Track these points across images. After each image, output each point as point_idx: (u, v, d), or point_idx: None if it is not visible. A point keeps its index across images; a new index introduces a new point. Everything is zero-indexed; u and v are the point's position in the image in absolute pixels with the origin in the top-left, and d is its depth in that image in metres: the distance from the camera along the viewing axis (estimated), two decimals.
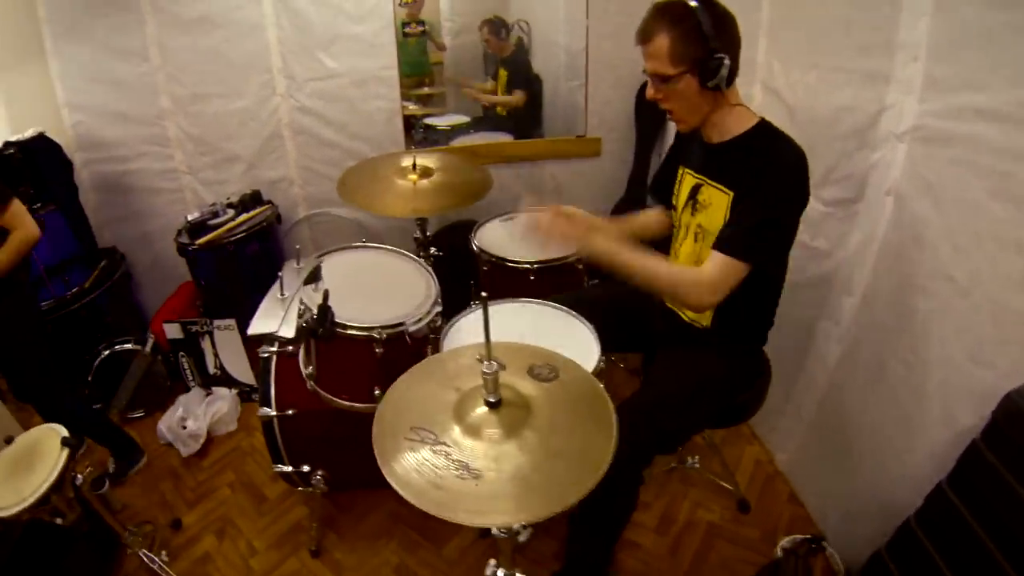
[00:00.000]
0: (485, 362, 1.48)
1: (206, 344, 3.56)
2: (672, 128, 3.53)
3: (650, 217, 2.43)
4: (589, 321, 2.29)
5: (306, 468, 2.56)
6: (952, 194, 1.87)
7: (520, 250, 2.92)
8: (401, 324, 2.16)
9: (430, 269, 2.48)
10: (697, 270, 1.90)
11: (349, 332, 2.14)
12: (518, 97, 3.87)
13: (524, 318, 2.39)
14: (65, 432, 2.35)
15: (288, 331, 2.57)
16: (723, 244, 1.86)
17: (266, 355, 2.55)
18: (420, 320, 2.19)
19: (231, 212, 3.70)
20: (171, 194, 3.96)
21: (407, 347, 2.21)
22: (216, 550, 2.89)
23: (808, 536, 2.40)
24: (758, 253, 1.84)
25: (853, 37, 2.22)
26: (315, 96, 3.71)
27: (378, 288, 2.45)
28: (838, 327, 2.48)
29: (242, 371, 3.61)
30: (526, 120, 3.96)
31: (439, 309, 2.30)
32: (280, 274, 3.02)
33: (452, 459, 1.42)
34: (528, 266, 2.88)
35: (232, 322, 3.48)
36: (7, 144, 3.41)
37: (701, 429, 2.53)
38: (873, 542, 2.09)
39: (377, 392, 2.23)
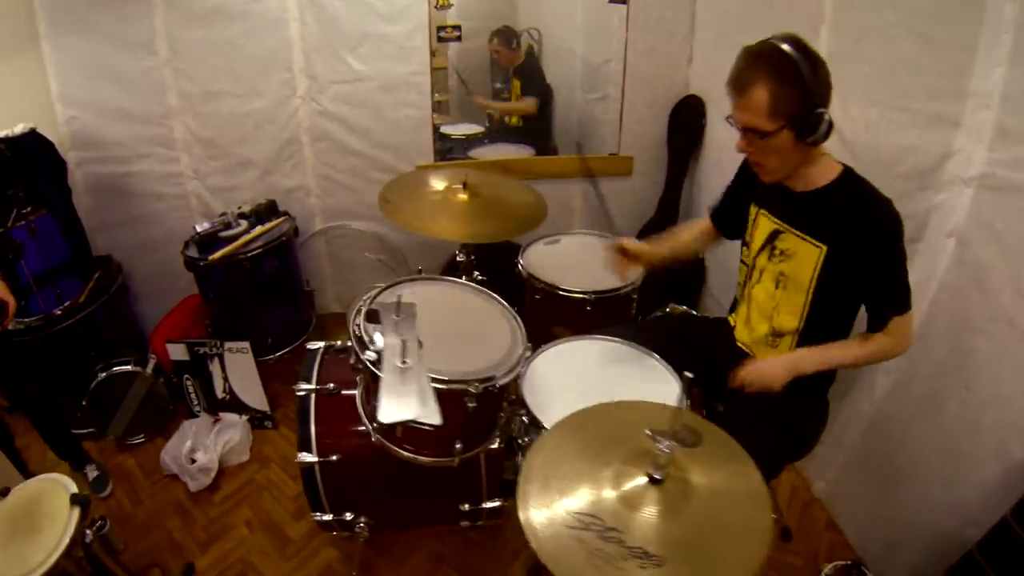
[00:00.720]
0: (662, 441, 1.37)
1: (215, 367, 3.28)
2: (710, 156, 3.41)
3: (693, 234, 2.41)
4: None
5: (349, 516, 2.33)
6: (1019, 241, 1.87)
7: (571, 278, 2.73)
8: (492, 378, 1.91)
9: (507, 305, 2.24)
10: (890, 343, 1.88)
11: (440, 387, 1.84)
12: (529, 104, 3.71)
13: (593, 356, 2.27)
14: (73, 487, 2.11)
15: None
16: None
17: (303, 393, 2.30)
18: (512, 370, 1.96)
19: (244, 223, 3.44)
20: (175, 200, 3.69)
21: (492, 396, 1.99)
22: None
23: (850, 562, 2.48)
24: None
25: (921, 79, 2.15)
26: (339, 100, 3.46)
27: (460, 331, 2.18)
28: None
29: (255, 397, 3.35)
30: (538, 131, 3.80)
31: (528, 355, 2.08)
32: None
33: (627, 546, 1.29)
34: (584, 296, 2.69)
35: (246, 345, 3.20)
36: None
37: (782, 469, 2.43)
38: (916, 569, 2.21)
39: (459, 446, 2.01)
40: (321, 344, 2.52)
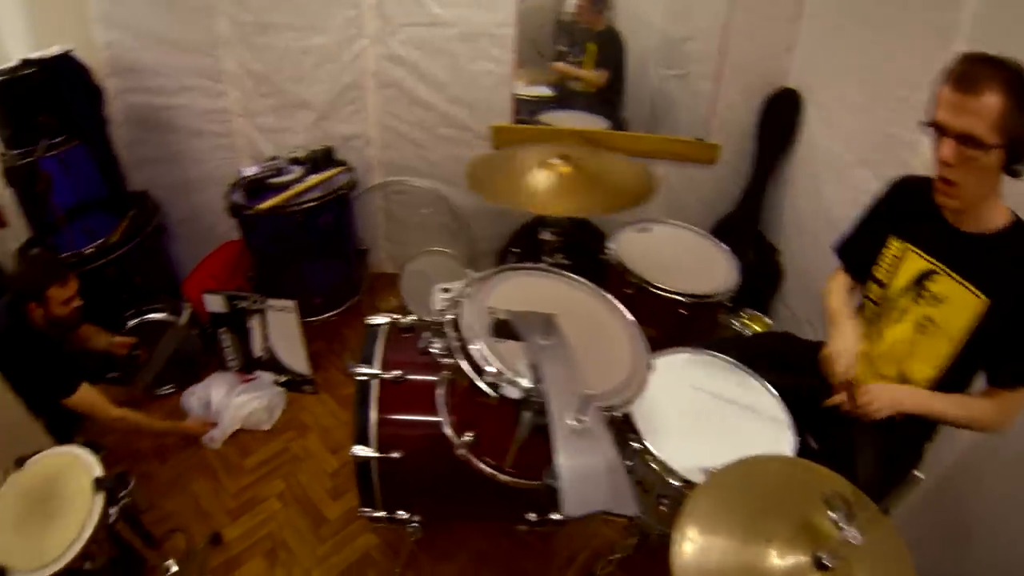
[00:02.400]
0: (846, 528, 1.21)
1: (255, 323, 3.07)
2: (802, 155, 3.13)
3: (843, 297, 2.12)
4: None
5: (403, 515, 2.14)
6: None
7: (666, 274, 2.49)
8: (613, 407, 1.61)
9: (626, 312, 1.91)
10: (993, 415, 1.76)
11: None
12: (601, 76, 3.45)
13: (698, 373, 2.06)
14: (96, 467, 1.97)
15: None
16: (1015, 379, 1.72)
17: (364, 378, 2.07)
18: (633, 396, 1.70)
19: (297, 170, 3.21)
20: (219, 138, 3.45)
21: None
22: None
23: None
24: None
25: None
26: (412, 45, 3.18)
27: (577, 341, 1.59)
28: None
29: (296, 359, 3.15)
30: (612, 101, 3.54)
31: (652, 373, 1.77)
32: None
33: None
34: (680, 297, 2.44)
35: (291, 304, 2.99)
36: (27, 62, 2.88)
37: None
38: None
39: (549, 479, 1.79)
40: (384, 320, 2.30)
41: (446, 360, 1.79)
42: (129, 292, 3.15)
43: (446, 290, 2.06)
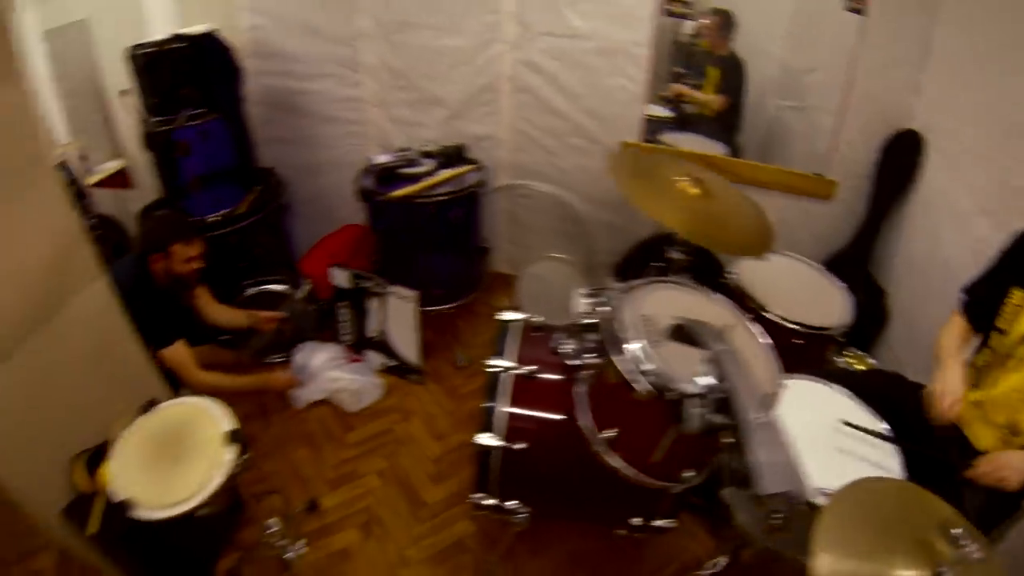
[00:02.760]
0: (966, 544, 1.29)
1: (373, 305, 3.18)
2: (921, 200, 3.09)
3: (957, 343, 2.11)
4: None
5: (513, 504, 2.20)
6: None
7: (782, 304, 2.52)
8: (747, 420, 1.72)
9: (760, 330, 1.96)
10: None
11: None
12: (721, 101, 3.47)
13: (814, 400, 2.12)
14: (228, 421, 2.05)
15: None
16: None
17: (497, 370, 2.16)
18: (766, 409, 1.73)
19: (429, 163, 3.28)
20: (350, 125, 3.56)
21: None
22: (359, 549, 2.56)
23: None
24: None
25: None
26: (549, 54, 3.23)
27: None
28: None
29: (408, 346, 3.24)
30: (727, 128, 3.53)
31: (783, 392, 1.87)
32: None
33: None
34: (797, 327, 2.47)
35: (414, 295, 3.10)
36: (177, 37, 3.05)
37: None
38: None
39: (687, 475, 1.85)
40: (517, 316, 2.39)
41: (583, 360, 1.92)
42: (247, 262, 3.29)
43: (589, 295, 2.12)
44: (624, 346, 1.67)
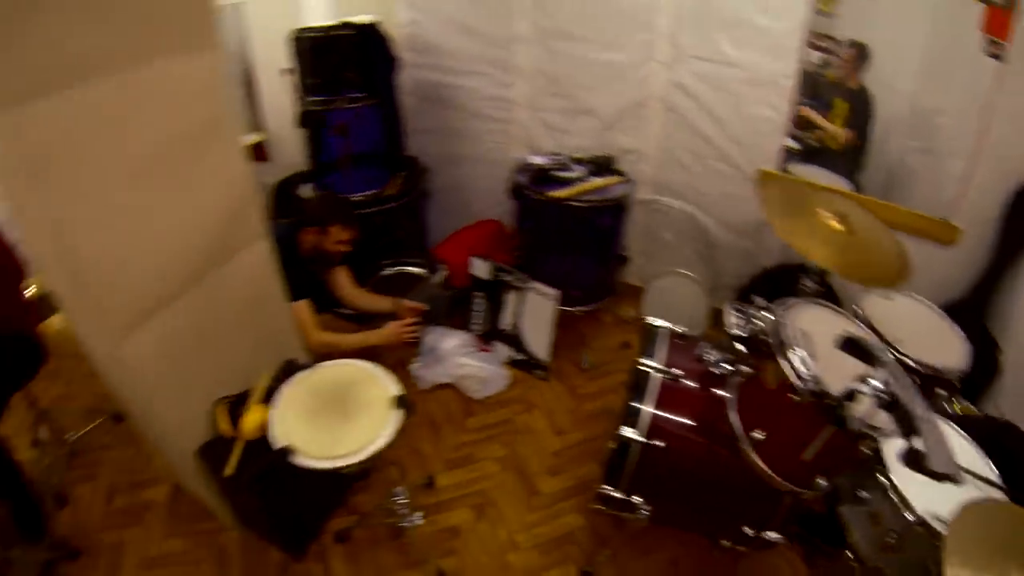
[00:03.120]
0: None
1: (510, 298, 3.30)
2: None
3: None
4: None
5: (638, 499, 2.29)
6: None
7: (904, 342, 2.50)
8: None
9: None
10: None
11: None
12: (847, 135, 3.50)
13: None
14: (395, 387, 2.14)
15: None
16: None
17: (646, 369, 2.27)
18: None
19: (580, 170, 3.37)
20: (497, 123, 3.70)
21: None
22: (471, 528, 2.68)
23: None
24: None
25: None
26: (699, 78, 3.30)
27: None
28: None
29: (539, 343, 3.34)
30: (851, 163, 3.51)
31: None
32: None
33: None
34: (916, 366, 2.43)
35: (555, 293, 3.20)
36: (345, 24, 3.25)
37: None
38: None
39: (822, 482, 1.94)
40: (664, 323, 2.50)
41: (733, 367, 2.10)
42: (389, 243, 3.43)
43: (739, 310, 2.23)
44: (790, 352, 1.82)
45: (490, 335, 3.40)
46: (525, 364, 3.37)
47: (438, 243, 3.70)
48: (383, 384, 2.15)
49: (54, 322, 2.99)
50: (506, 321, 3.34)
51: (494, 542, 2.63)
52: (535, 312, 3.27)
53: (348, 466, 1.93)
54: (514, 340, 3.36)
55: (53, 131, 1.72)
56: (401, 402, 2.07)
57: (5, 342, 2.64)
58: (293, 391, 2.18)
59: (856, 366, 1.70)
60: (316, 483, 2.60)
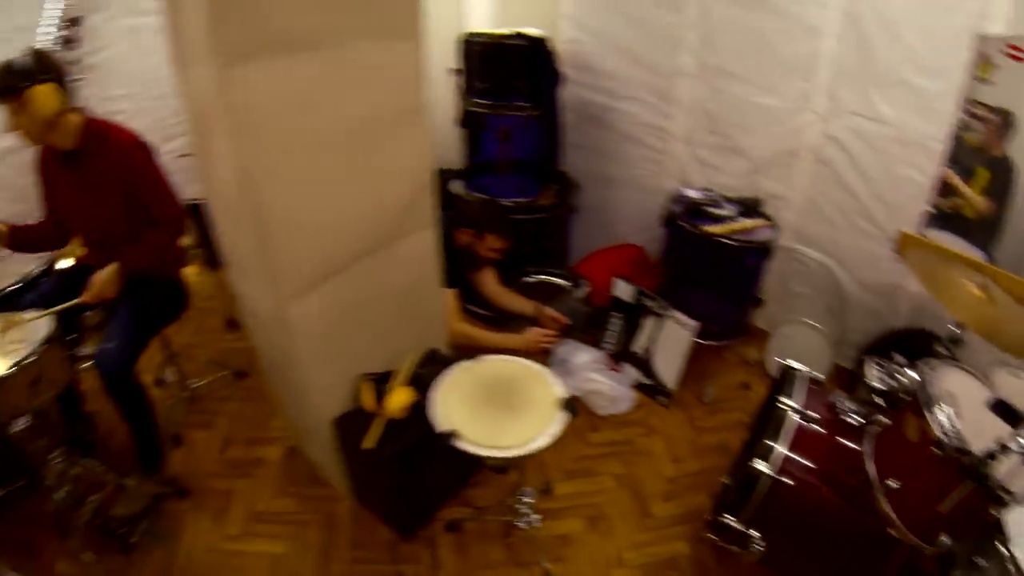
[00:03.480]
0: None
1: (648, 323, 3.35)
2: None
3: None
4: None
5: (755, 534, 2.31)
6: None
7: None
8: None
9: None
10: None
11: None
12: (986, 204, 3.40)
13: None
14: (561, 389, 2.22)
15: None
16: None
17: (784, 409, 2.30)
18: None
19: (731, 208, 3.44)
20: (650, 151, 3.76)
21: None
22: (582, 538, 2.73)
23: None
24: None
25: None
26: (853, 133, 3.27)
27: None
28: None
29: (668, 371, 3.37)
30: (987, 235, 3.42)
31: None
32: None
33: None
34: None
35: (694, 325, 3.22)
36: (518, 35, 3.37)
37: None
38: None
39: (944, 539, 1.94)
40: (800, 366, 2.52)
41: (871, 419, 2.14)
42: (535, 252, 3.55)
43: (881, 366, 2.26)
44: (937, 408, 1.87)
45: (621, 356, 3.46)
46: (651, 389, 3.41)
47: (579, 259, 3.80)
48: (550, 385, 2.23)
49: (189, 273, 3.17)
50: (639, 345, 3.39)
51: (602, 555, 2.67)
52: (670, 340, 3.31)
53: (504, 459, 2.02)
54: (644, 364, 3.41)
55: (268, 92, 1.90)
56: (568, 405, 2.14)
57: (163, 285, 2.92)
58: (457, 379, 2.28)
59: (998, 429, 1.73)
60: (445, 470, 2.73)
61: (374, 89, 2.19)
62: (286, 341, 2.38)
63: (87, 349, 2.64)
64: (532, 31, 3.44)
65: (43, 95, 2.46)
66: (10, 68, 2.44)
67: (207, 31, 1.76)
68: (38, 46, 3.58)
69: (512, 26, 3.51)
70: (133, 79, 3.68)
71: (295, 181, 2.08)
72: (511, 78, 3.40)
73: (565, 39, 3.66)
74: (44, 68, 2.50)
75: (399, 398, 2.45)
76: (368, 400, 2.50)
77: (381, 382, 2.54)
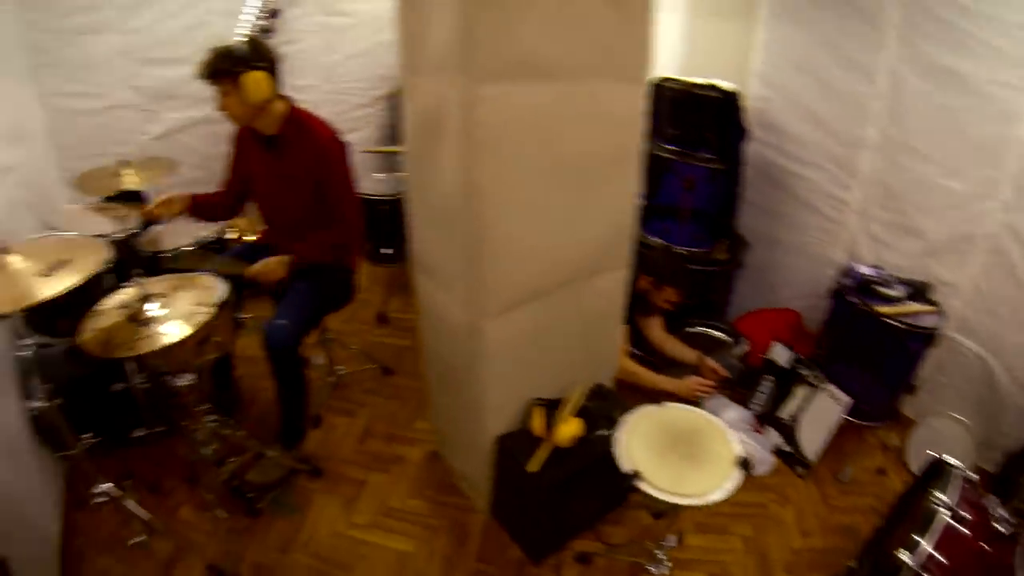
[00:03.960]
0: None
1: (800, 392, 3.32)
2: None
3: None
4: None
5: None
6: None
7: None
8: None
9: None
10: None
11: None
12: None
13: None
14: (739, 447, 2.24)
15: None
16: None
17: (937, 505, 2.24)
18: None
19: (901, 290, 3.39)
20: (826, 221, 3.70)
21: None
22: None
23: None
24: None
25: None
26: None
27: None
28: None
29: (812, 443, 3.32)
30: None
31: None
32: None
33: None
34: None
35: (846, 401, 3.17)
36: (712, 86, 3.44)
37: None
38: None
39: None
40: (956, 462, 2.45)
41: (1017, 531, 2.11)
42: (699, 303, 3.59)
43: None
44: None
45: (766, 419, 3.43)
46: (790, 457, 3.37)
47: (738, 315, 3.82)
48: (729, 441, 2.28)
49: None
50: (787, 411, 3.36)
51: None
52: (819, 412, 3.27)
53: (676, 505, 2.09)
54: (788, 432, 3.37)
55: (509, 114, 2.02)
56: (744, 464, 2.18)
57: (340, 273, 3.13)
58: (641, 422, 2.35)
59: None
60: (590, 503, 2.81)
61: (600, 126, 2.31)
62: (473, 356, 2.51)
63: (245, 315, 2.77)
64: (725, 84, 3.49)
65: (255, 81, 2.67)
66: (229, 52, 2.67)
67: (463, 46, 1.91)
68: (238, 33, 3.87)
69: (699, 75, 3.59)
70: (318, 72, 3.87)
71: (518, 203, 2.21)
72: (702, 128, 3.46)
73: (753, 95, 3.65)
74: (259, 56, 2.73)
75: (569, 428, 2.53)
76: (538, 425, 2.61)
77: (551, 408, 2.61)
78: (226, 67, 2.63)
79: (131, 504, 2.70)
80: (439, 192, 2.30)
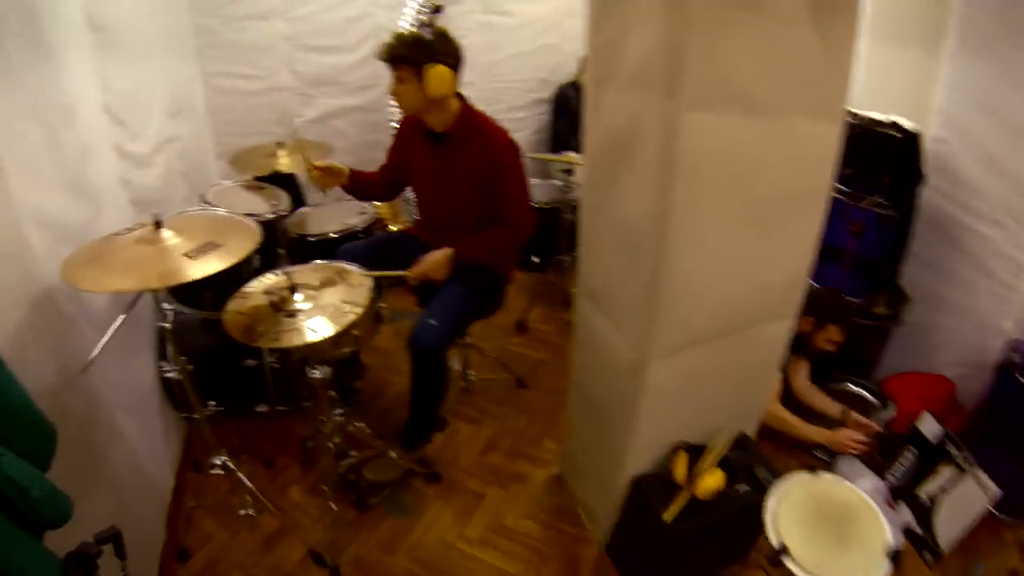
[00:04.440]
0: None
1: (944, 472, 3.03)
2: None
3: None
4: None
5: None
6: None
7: None
8: None
9: None
10: None
11: None
12: None
13: None
14: (893, 534, 2.06)
15: None
16: None
17: None
18: None
19: None
20: (999, 285, 3.27)
21: None
22: None
23: None
24: None
25: None
26: None
27: None
28: None
29: (947, 532, 3.03)
30: None
31: None
32: None
33: None
34: None
35: (996, 492, 2.85)
36: (894, 124, 3.19)
37: None
38: None
39: None
40: None
41: None
42: (848, 357, 3.37)
43: None
44: None
45: (901, 494, 3.17)
46: (920, 541, 3.10)
47: (886, 375, 3.56)
48: (882, 526, 2.10)
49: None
50: (927, 490, 3.10)
51: None
52: (962, 499, 2.98)
53: None
54: (924, 513, 3.10)
55: (711, 145, 1.89)
56: (895, 556, 2.02)
57: (496, 279, 3.11)
58: (796, 492, 2.20)
59: None
60: (712, 557, 2.67)
61: (795, 166, 2.13)
62: (630, 395, 2.39)
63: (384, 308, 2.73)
64: (907, 123, 3.21)
65: (439, 76, 2.63)
66: (419, 40, 2.66)
67: (672, 67, 1.78)
68: (401, 26, 3.90)
69: (873, 108, 3.33)
70: (474, 70, 3.82)
71: (706, 240, 2.07)
72: (879, 170, 3.20)
73: (930, 136, 3.33)
74: (447, 50, 2.69)
75: (711, 481, 2.41)
76: (680, 472, 2.47)
77: (693, 454, 2.49)
78: (412, 55, 2.61)
79: (243, 476, 2.76)
80: (620, 217, 2.20)
